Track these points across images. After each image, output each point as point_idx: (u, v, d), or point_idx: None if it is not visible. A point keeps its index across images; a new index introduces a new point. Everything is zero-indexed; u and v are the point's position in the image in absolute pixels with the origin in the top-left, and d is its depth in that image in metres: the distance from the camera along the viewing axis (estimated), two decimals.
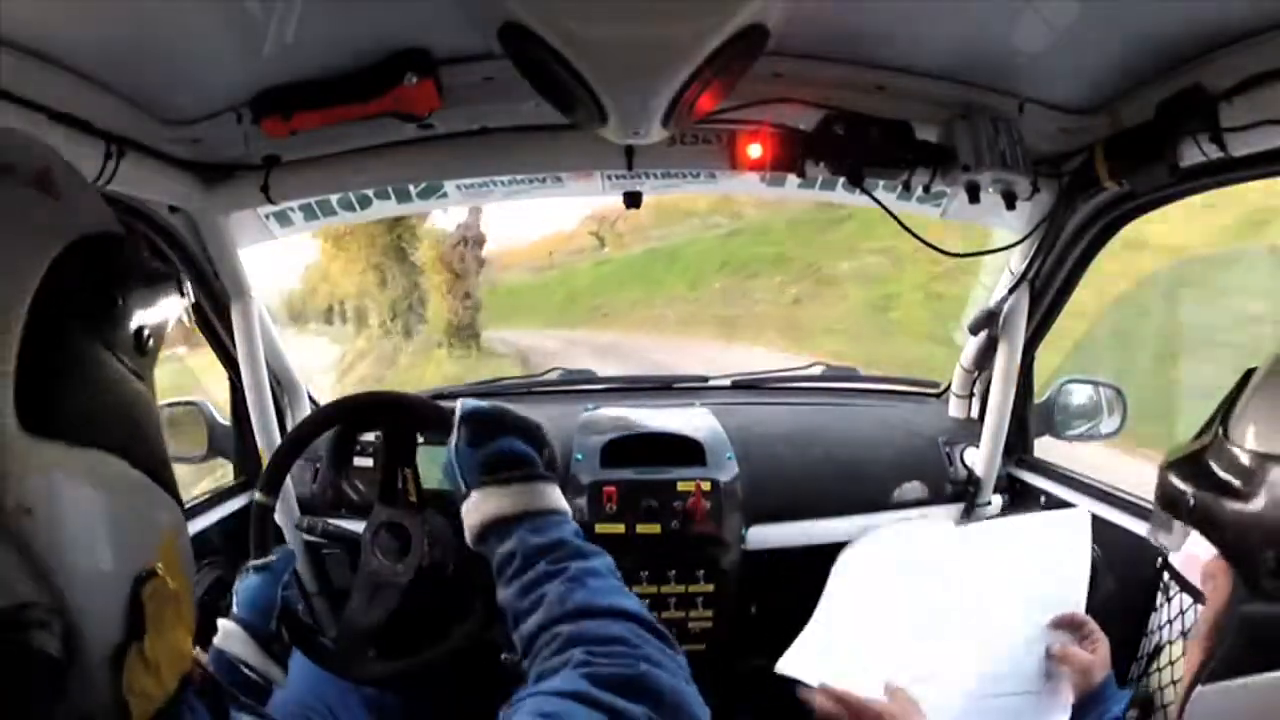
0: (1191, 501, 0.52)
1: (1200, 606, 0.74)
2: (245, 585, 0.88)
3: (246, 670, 0.83)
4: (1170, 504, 0.54)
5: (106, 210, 0.43)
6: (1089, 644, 0.88)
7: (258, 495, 0.94)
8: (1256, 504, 0.48)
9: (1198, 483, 0.51)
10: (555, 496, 0.73)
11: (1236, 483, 0.49)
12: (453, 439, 0.76)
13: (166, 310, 0.45)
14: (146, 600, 0.37)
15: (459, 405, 0.79)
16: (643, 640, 0.57)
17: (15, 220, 0.36)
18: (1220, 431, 0.51)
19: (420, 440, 1.32)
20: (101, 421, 0.37)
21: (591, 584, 0.62)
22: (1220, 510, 0.50)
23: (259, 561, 0.90)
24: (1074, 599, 0.97)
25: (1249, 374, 0.52)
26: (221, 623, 0.88)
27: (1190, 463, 0.53)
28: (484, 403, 0.79)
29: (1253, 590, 0.49)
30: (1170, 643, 0.96)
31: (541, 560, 0.65)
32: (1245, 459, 0.49)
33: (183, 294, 0.48)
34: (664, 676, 0.53)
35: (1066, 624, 0.99)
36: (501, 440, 0.76)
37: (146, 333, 0.42)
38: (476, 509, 0.71)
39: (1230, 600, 0.51)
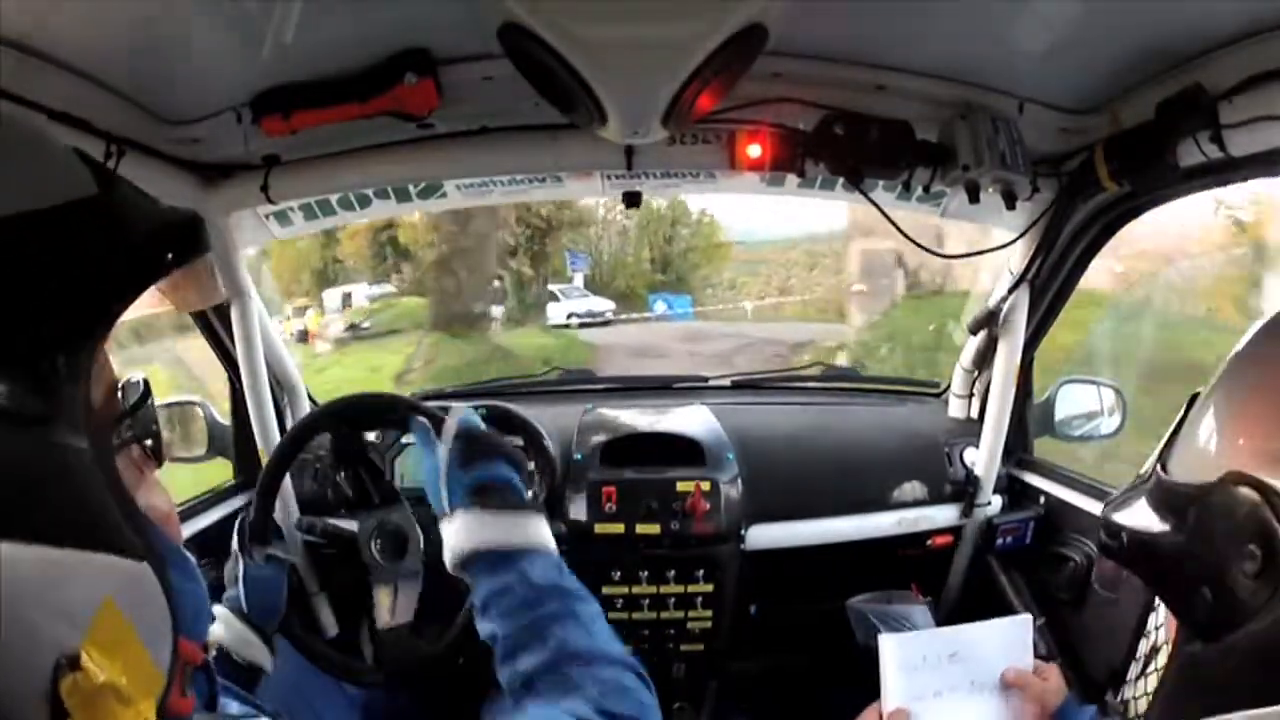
0: (1125, 540, 0.50)
1: None
2: (254, 575, 0.93)
3: (236, 658, 0.89)
4: (1106, 548, 0.52)
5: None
6: (1040, 675, 0.88)
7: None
8: (1187, 536, 0.45)
9: (1133, 517, 0.49)
10: (549, 534, 0.71)
11: (1169, 518, 0.47)
12: (441, 451, 0.73)
13: (95, 301, 0.36)
14: (66, 697, 0.31)
15: (455, 418, 0.76)
16: (640, 690, 0.61)
17: None
18: (1158, 467, 0.50)
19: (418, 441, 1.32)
20: None
21: (596, 631, 0.64)
22: (1153, 547, 0.48)
23: (275, 552, 0.94)
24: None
25: (1190, 403, 0.50)
26: (217, 610, 0.92)
27: (1128, 501, 0.51)
28: (478, 420, 0.76)
29: (1191, 630, 0.47)
30: (1166, 644, 0.96)
31: (547, 601, 0.65)
32: (1177, 493, 0.46)
33: (163, 262, 0.38)
34: None
35: None
36: (494, 464, 0.73)
37: (59, 361, 0.33)
38: (467, 533, 0.68)
39: (1177, 638, 0.49)
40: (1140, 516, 0.48)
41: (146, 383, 0.42)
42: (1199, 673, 0.46)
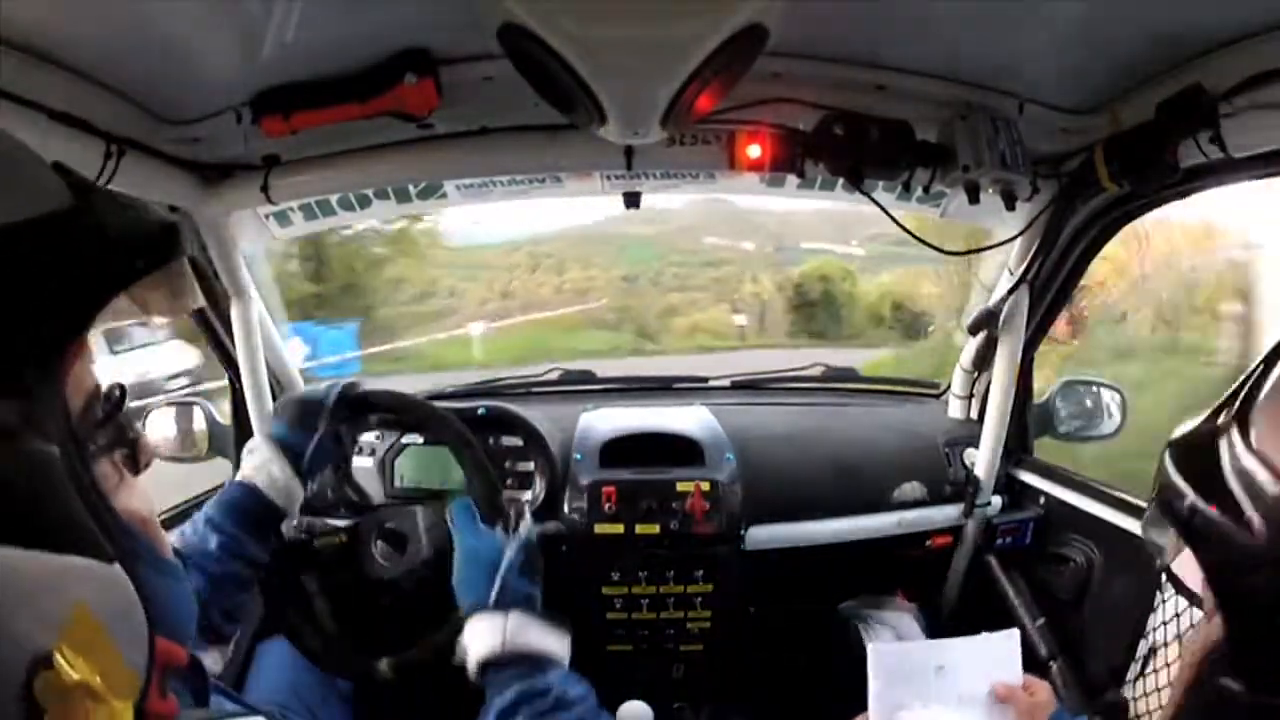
0: (1188, 510, 0.41)
1: (1196, 610, 0.73)
2: (325, 435, 0.96)
3: (265, 493, 0.91)
4: (1167, 504, 0.43)
5: None
6: (1028, 690, 0.87)
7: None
8: (1265, 539, 0.36)
9: (1200, 485, 0.40)
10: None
11: (1245, 502, 0.37)
12: (509, 553, 0.82)
13: (60, 312, 0.36)
14: (40, 697, 0.32)
15: (528, 526, 0.86)
16: None
17: None
18: (1235, 420, 0.39)
19: (420, 441, 1.33)
20: None
21: None
22: (1220, 533, 0.38)
23: (341, 431, 0.99)
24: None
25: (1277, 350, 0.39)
26: (257, 442, 0.94)
27: (1197, 453, 0.41)
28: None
29: (1238, 653, 0.39)
30: (1165, 645, 0.96)
31: (576, 707, 0.73)
32: (1261, 473, 0.36)
33: (131, 271, 0.38)
34: None
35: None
36: (539, 583, 0.83)
37: (27, 373, 0.34)
38: (517, 633, 0.76)
39: (1207, 655, 0.41)
40: (1216, 490, 0.38)
41: (123, 390, 0.43)
42: (1229, 716, 0.39)
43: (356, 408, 1.00)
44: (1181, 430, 0.44)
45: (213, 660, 1.01)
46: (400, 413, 1.04)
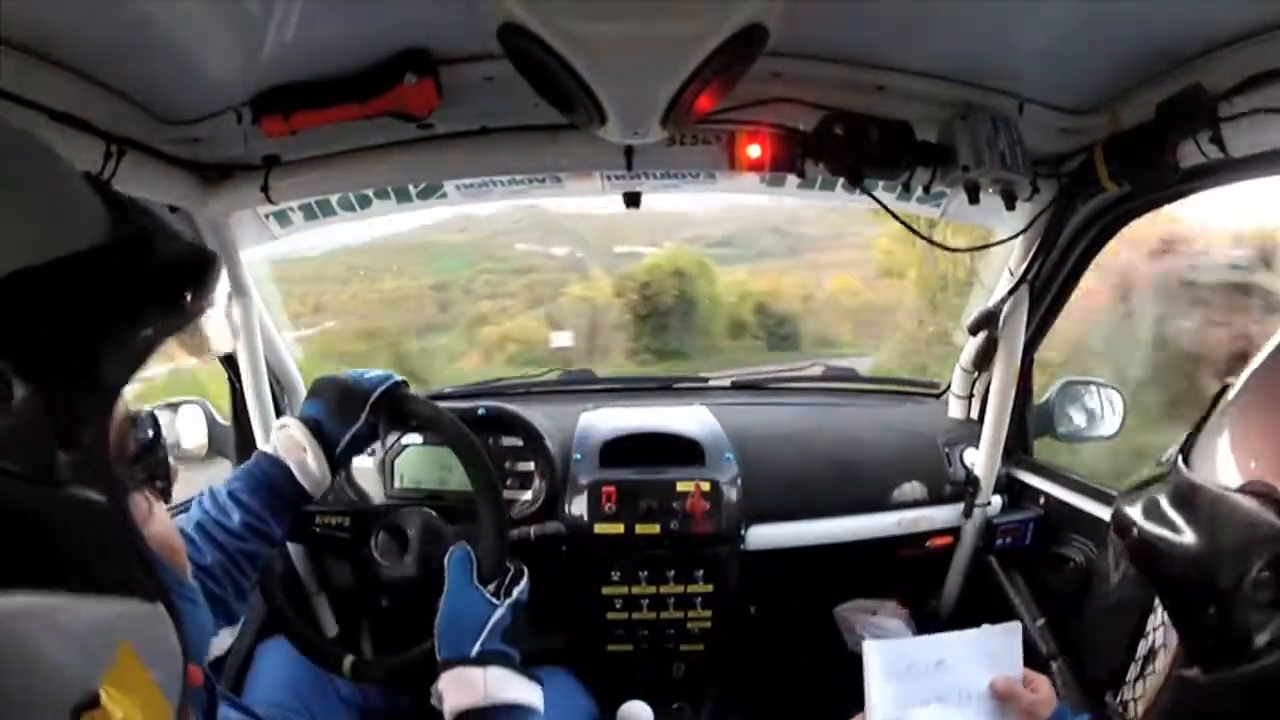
0: (1135, 533, 0.45)
1: None
2: (363, 427, 0.95)
3: (296, 475, 0.90)
4: (1120, 533, 0.48)
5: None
6: (1030, 686, 0.86)
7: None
8: (1197, 544, 0.41)
9: (1146, 512, 0.45)
10: None
11: (1180, 518, 0.42)
12: (500, 611, 0.83)
13: (111, 357, 0.35)
14: None
15: (524, 583, 0.87)
16: None
17: None
18: (1180, 459, 0.45)
19: (420, 441, 1.33)
20: None
21: None
22: (1161, 551, 0.43)
23: (379, 424, 0.97)
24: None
25: (1221, 393, 0.46)
26: (290, 424, 0.92)
27: (1144, 491, 0.47)
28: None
29: (1190, 651, 0.43)
30: (1165, 645, 0.96)
31: None
32: (1194, 492, 0.42)
33: (183, 310, 0.38)
34: None
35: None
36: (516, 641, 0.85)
37: (77, 420, 0.33)
38: (499, 685, 0.78)
39: (1175, 657, 0.46)
40: (1153, 513, 0.44)
41: (156, 421, 0.43)
42: (1194, 703, 0.43)
43: (397, 411, 0.97)
44: (1136, 479, 0.51)
45: (222, 641, 1.01)
46: (435, 430, 0.99)
